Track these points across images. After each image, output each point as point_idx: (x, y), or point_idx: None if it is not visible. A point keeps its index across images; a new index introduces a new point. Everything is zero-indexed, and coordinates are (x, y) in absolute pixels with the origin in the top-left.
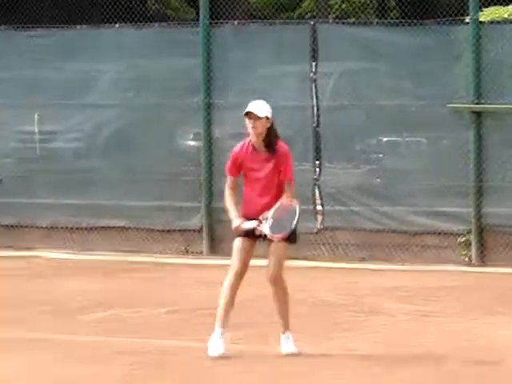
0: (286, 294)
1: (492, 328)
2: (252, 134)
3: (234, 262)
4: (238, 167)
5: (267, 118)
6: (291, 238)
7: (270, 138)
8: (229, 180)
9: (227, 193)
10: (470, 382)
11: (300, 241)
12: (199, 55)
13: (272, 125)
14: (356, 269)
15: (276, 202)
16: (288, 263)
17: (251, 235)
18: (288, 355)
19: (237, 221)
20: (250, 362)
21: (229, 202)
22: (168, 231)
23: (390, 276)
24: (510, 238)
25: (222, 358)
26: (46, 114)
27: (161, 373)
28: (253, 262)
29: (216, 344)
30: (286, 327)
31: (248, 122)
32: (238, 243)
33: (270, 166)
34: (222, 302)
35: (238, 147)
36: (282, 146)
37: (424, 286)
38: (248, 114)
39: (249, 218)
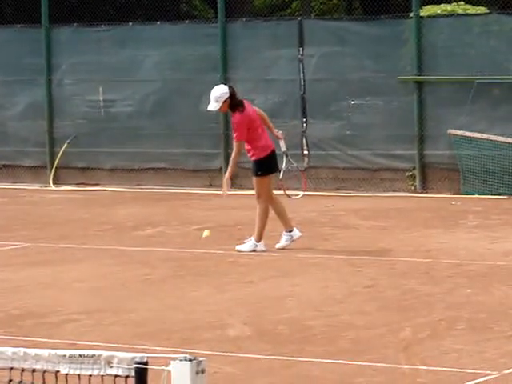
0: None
1: (430, 236)
2: None
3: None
4: None
5: (223, 101)
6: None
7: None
8: None
9: None
10: (412, 269)
11: (293, 176)
12: (217, 44)
13: (230, 99)
14: (332, 196)
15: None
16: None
17: None
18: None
19: None
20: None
21: None
22: (197, 170)
23: (357, 201)
24: (443, 172)
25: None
26: (107, 87)
27: (195, 272)
28: None
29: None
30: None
31: None
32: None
33: None
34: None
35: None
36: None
37: (381, 208)
38: None
39: None
